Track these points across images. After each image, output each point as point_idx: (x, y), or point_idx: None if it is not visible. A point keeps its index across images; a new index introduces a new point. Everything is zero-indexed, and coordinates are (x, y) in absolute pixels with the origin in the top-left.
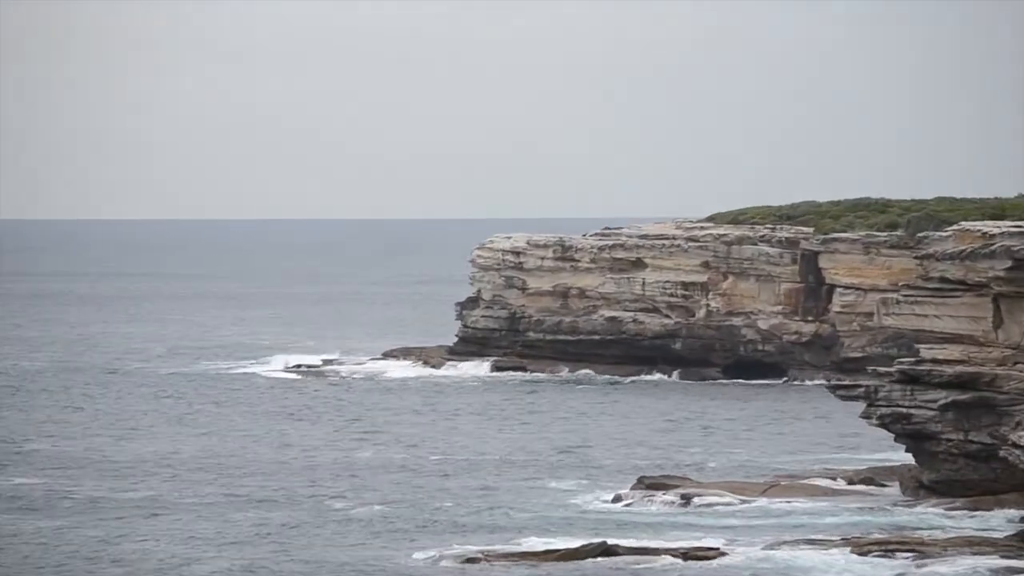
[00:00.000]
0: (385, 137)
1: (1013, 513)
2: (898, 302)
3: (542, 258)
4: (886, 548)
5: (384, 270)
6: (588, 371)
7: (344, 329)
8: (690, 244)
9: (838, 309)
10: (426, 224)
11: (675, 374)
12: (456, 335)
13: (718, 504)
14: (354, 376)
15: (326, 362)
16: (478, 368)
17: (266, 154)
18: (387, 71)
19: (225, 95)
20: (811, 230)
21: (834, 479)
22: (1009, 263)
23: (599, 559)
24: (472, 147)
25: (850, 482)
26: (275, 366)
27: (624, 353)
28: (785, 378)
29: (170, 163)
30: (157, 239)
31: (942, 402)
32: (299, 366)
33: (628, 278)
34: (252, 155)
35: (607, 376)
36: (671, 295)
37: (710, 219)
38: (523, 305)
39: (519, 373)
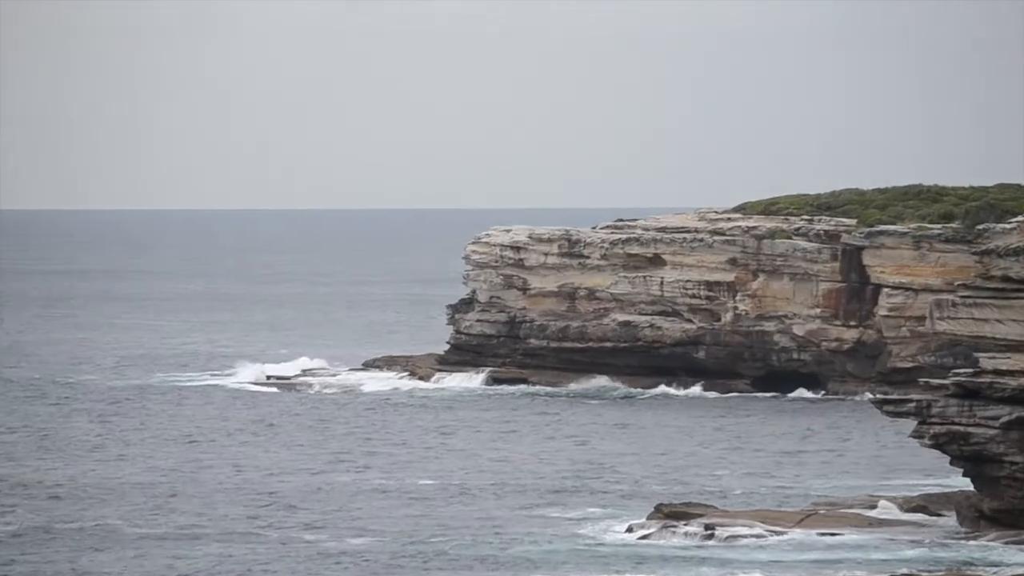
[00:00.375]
0: (384, 125)
1: None
2: (954, 304)
3: (546, 254)
4: None
5: (374, 266)
6: (598, 383)
7: (322, 335)
8: (715, 238)
9: (885, 312)
10: (424, 214)
11: (698, 387)
12: (448, 342)
13: (747, 536)
14: (330, 390)
15: (299, 373)
16: (472, 380)
17: (258, 141)
18: (397, 57)
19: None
20: (854, 222)
21: (881, 507)
22: None
23: None
24: (473, 134)
25: (900, 511)
26: (241, 378)
27: (639, 363)
28: (824, 392)
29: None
30: (119, 232)
31: (1005, 419)
32: (271, 378)
33: (644, 277)
34: (241, 142)
35: (620, 389)
36: (693, 296)
37: (738, 209)
38: (524, 308)
39: (519, 386)
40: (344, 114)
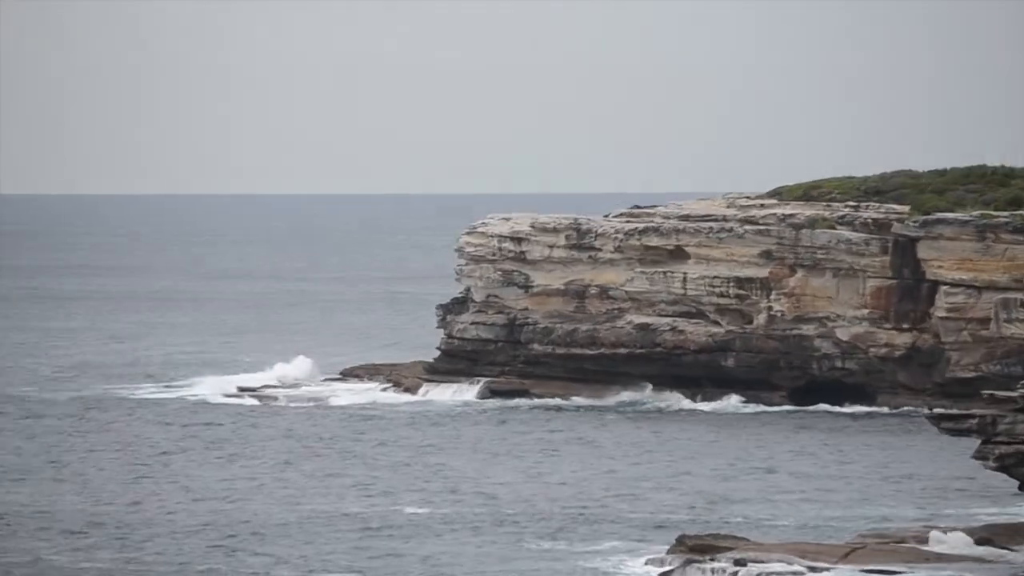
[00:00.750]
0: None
1: None
2: (1023, 304)
3: (551, 246)
4: None
5: (359, 259)
6: (613, 396)
7: (296, 339)
8: (746, 228)
9: (943, 314)
10: (414, 200)
11: (726, 400)
12: (438, 348)
13: (783, 574)
14: (301, 403)
15: (267, 384)
16: (465, 392)
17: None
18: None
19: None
20: (907, 209)
21: (938, 540)
22: None
23: None
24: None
25: (961, 544)
26: (200, 390)
27: (659, 372)
28: (873, 405)
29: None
30: (76, 220)
31: None
32: (242, 389)
33: (664, 273)
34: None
35: (635, 402)
36: (721, 295)
37: (773, 194)
38: (526, 308)
39: (520, 399)
40: (332, 94)
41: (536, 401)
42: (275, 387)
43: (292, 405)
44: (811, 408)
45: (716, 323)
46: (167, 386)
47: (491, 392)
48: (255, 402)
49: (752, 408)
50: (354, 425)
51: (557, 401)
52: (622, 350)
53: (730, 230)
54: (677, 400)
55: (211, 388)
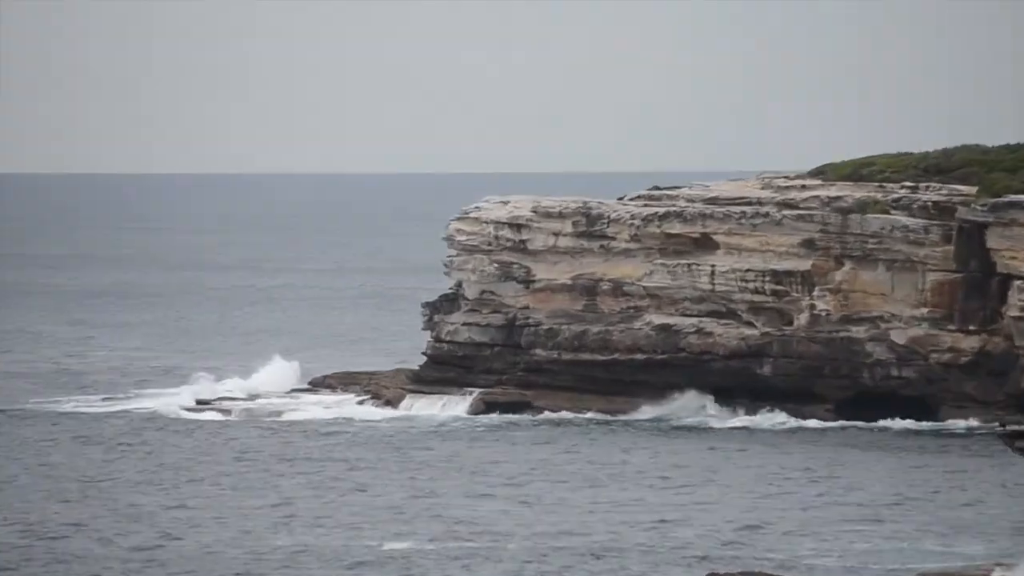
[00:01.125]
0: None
1: None
2: None
3: (556, 234)
4: None
5: (344, 249)
6: (626, 410)
7: (263, 345)
8: (785, 212)
9: (1016, 313)
10: (408, 180)
11: (762, 413)
12: (424, 353)
13: None
14: (268, 418)
15: (225, 396)
16: (456, 405)
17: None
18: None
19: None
20: (974, 190)
21: None
22: None
23: None
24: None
25: None
26: (150, 404)
27: (683, 381)
28: (933, 421)
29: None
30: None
31: None
32: (206, 403)
33: (688, 266)
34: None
35: (655, 417)
36: (755, 292)
37: (816, 173)
38: (527, 307)
39: (520, 414)
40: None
41: (539, 416)
42: (234, 399)
43: (243, 421)
44: (861, 424)
45: (750, 324)
46: (106, 398)
47: (486, 406)
48: (215, 416)
49: (791, 423)
50: (327, 445)
51: (563, 416)
52: (639, 356)
53: (766, 215)
54: (704, 414)
55: (161, 401)
